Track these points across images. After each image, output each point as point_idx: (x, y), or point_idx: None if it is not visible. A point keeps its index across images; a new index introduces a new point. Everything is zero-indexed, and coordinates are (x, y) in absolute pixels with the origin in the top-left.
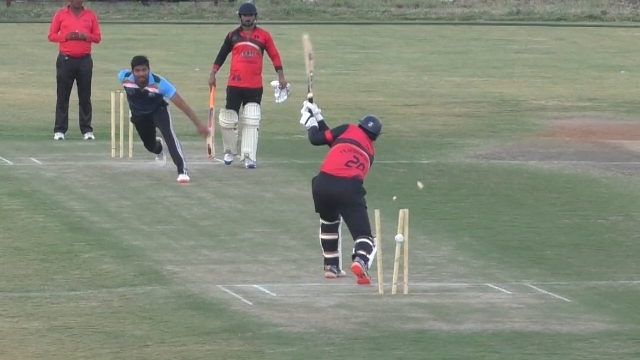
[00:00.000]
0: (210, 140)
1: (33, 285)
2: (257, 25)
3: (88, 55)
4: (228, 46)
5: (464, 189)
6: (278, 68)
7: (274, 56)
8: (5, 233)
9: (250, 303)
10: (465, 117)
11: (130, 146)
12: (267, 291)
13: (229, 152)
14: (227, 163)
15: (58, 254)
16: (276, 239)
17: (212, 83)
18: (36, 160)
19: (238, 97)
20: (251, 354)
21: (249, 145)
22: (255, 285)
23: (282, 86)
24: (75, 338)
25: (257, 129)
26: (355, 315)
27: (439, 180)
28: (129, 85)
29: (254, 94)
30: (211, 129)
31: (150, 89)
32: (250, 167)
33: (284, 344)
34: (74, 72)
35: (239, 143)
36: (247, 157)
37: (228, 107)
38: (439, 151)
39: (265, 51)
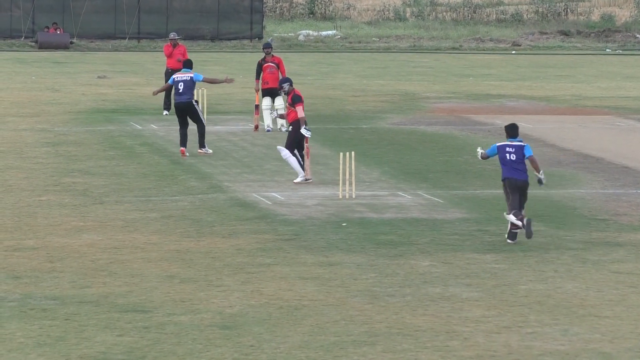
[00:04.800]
0: (256, 121)
1: (152, 193)
2: (274, 53)
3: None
4: (260, 67)
5: (385, 141)
6: (283, 79)
7: (282, 72)
8: (137, 165)
9: (269, 203)
10: (385, 102)
11: (205, 118)
12: (278, 196)
13: (268, 126)
14: (268, 131)
15: (166, 177)
16: (283, 168)
17: (257, 89)
18: (154, 126)
19: (268, 93)
20: (270, 231)
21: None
22: (272, 193)
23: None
24: (175, 222)
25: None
26: (327, 210)
27: (371, 137)
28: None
29: (276, 91)
30: (257, 117)
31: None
32: (287, 131)
33: (288, 225)
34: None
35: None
36: (282, 125)
37: (264, 97)
38: (372, 121)
39: (279, 68)
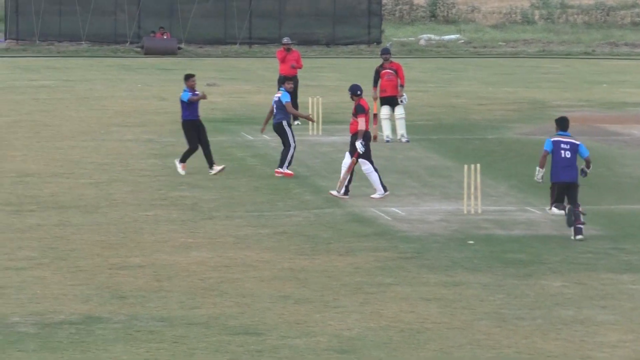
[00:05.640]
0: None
1: (264, 208)
2: (392, 59)
3: (295, 76)
4: (377, 74)
5: (512, 152)
6: (401, 86)
7: (401, 78)
8: (248, 178)
9: (389, 218)
10: (513, 111)
11: (320, 128)
12: (399, 211)
13: (387, 136)
14: (387, 142)
15: (279, 190)
16: (404, 181)
17: (375, 98)
18: (266, 137)
19: (387, 102)
20: (390, 248)
21: (402, 129)
22: (392, 208)
23: (400, 97)
24: (289, 238)
25: (404, 119)
26: (450, 226)
27: (498, 148)
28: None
29: (394, 99)
30: (376, 127)
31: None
32: (407, 142)
33: (409, 242)
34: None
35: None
36: (402, 136)
37: (383, 105)
38: (498, 131)
39: (397, 74)
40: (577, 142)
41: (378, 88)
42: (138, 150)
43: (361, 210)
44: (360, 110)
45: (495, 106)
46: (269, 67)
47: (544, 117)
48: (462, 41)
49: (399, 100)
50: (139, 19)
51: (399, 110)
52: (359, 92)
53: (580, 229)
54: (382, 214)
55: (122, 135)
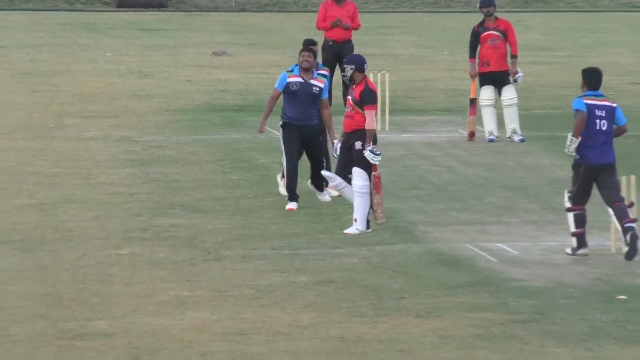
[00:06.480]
0: (472, 125)
1: (301, 244)
2: (498, 15)
3: (349, 41)
4: (475, 38)
5: None
6: (513, 56)
7: (512, 44)
8: (275, 197)
9: (494, 260)
10: None
11: (387, 120)
12: (509, 249)
13: (490, 133)
14: (490, 141)
15: (323, 215)
16: (517, 202)
17: (474, 75)
18: None
19: (490, 81)
20: (496, 306)
21: (514, 122)
22: (499, 244)
23: (513, 74)
24: (338, 291)
25: (517, 106)
26: (590, 271)
27: None
28: (292, 79)
29: (502, 76)
30: (473, 118)
31: (316, 83)
32: (521, 141)
33: (525, 297)
34: (337, 55)
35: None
36: (514, 132)
37: (484, 86)
38: None
39: (506, 38)
40: (614, 105)
41: (477, 60)
42: (106, 154)
43: (449, 246)
44: (368, 97)
45: None
46: (307, 26)
47: None
48: None
49: (510, 78)
50: None
51: (509, 94)
52: (364, 67)
53: (635, 234)
54: (483, 253)
55: (82, 130)
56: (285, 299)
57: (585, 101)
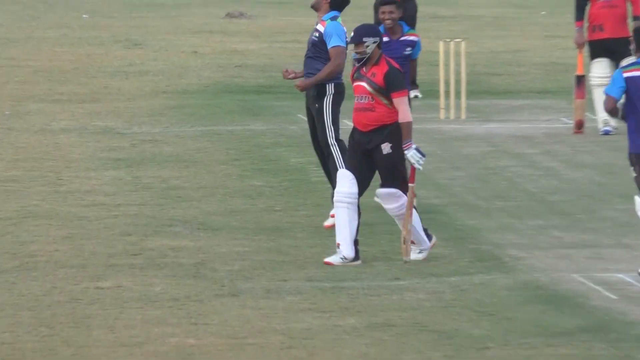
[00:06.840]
0: (580, 113)
1: (347, 274)
2: None
3: None
4: None
5: None
6: (636, 18)
7: (635, 1)
8: (311, 208)
9: (614, 297)
10: None
11: (463, 105)
12: (634, 282)
13: (606, 122)
14: (605, 133)
15: (375, 234)
16: None
17: (581, 44)
18: (347, 121)
19: (602, 52)
20: (615, 359)
21: None
22: (619, 275)
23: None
24: (399, 338)
25: None
26: None
27: None
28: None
29: (620, 45)
30: (581, 102)
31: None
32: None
33: None
34: None
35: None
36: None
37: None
38: None
39: None
40: None
41: (585, 24)
42: (83, 151)
43: (551, 277)
44: (398, 80)
45: None
46: None
47: None
48: None
49: (632, 48)
50: None
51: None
52: (378, 40)
53: None
54: (597, 287)
55: (50, 119)
56: (326, 348)
57: (626, 73)
